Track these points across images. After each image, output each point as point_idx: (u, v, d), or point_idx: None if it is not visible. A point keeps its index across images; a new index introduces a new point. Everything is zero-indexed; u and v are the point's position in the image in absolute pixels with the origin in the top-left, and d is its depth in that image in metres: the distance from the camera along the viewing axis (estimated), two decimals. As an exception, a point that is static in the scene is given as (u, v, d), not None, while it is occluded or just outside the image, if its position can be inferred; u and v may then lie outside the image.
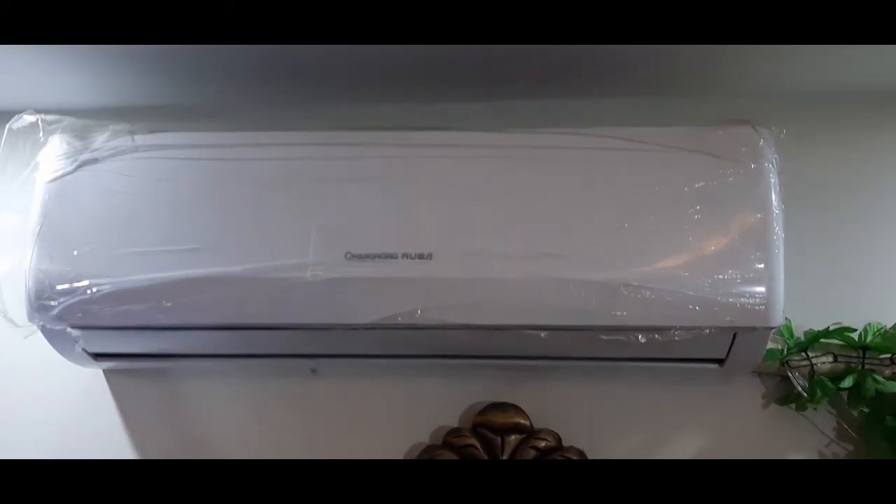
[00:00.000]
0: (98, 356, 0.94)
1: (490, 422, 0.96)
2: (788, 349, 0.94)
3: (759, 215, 0.83)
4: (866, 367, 0.92)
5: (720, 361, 0.89)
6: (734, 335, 0.85)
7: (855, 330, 0.93)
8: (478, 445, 0.95)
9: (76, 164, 0.89)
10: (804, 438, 0.95)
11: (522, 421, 0.95)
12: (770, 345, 0.90)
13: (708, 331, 0.82)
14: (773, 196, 0.83)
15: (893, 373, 0.91)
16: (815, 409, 0.94)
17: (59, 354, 0.93)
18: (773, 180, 0.84)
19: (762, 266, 0.81)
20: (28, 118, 0.90)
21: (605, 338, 0.83)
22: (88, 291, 0.84)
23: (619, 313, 0.82)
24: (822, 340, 0.94)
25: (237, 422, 1.01)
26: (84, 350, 0.91)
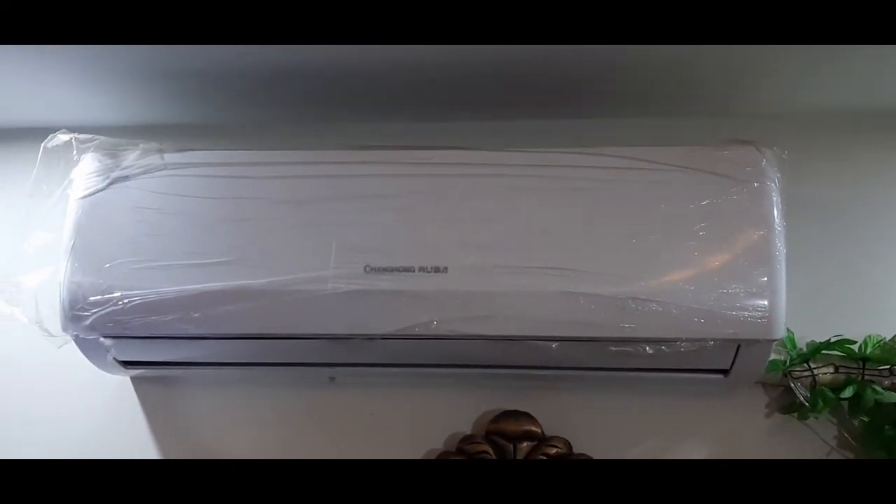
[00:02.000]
0: (127, 364, 0.97)
1: (503, 429, 0.98)
2: (791, 360, 0.96)
3: (761, 232, 0.85)
4: (866, 377, 0.94)
5: (725, 372, 0.92)
6: (738, 347, 0.87)
7: (855, 342, 0.96)
8: (490, 452, 0.97)
9: (108, 181, 0.92)
10: (806, 447, 0.98)
11: (534, 428, 0.98)
12: (773, 356, 0.92)
13: (713, 343, 0.84)
14: (776, 213, 0.86)
15: (892, 383, 0.94)
16: (816, 418, 0.96)
17: (89, 362, 0.96)
18: (775, 198, 0.86)
19: (765, 280, 0.84)
20: (62, 137, 0.93)
21: (613, 349, 0.86)
22: (119, 303, 0.87)
23: (627, 326, 0.84)
24: (823, 352, 0.96)
25: (257, 427, 1.04)
26: (114, 358, 0.95)
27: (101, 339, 0.91)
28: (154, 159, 0.93)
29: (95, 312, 0.88)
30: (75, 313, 0.88)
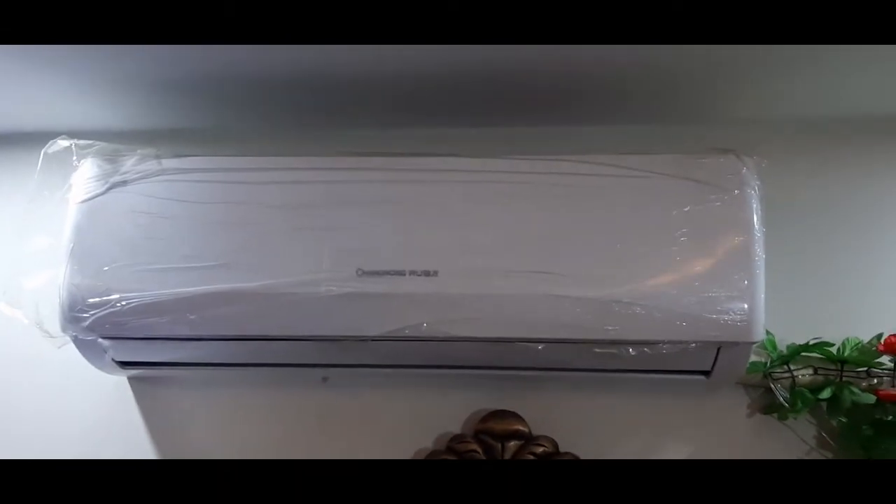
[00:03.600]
0: (125, 364, 0.98)
1: (491, 428, 1.01)
2: (771, 362, 0.98)
3: (741, 237, 0.87)
4: (844, 379, 0.96)
5: (706, 373, 0.94)
6: (719, 349, 0.89)
7: (833, 344, 0.98)
8: (479, 451, 1.00)
9: (107, 185, 0.93)
10: (786, 446, 1.00)
11: (521, 428, 1.00)
12: (754, 358, 0.94)
13: (694, 345, 0.87)
14: (756, 220, 0.88)
15: (869, 385, 0.96)
16: (795, 418, 0.98)
17: (87, 363, 0.97)
18: (755, 205, 0.88)
19: (745, 284, 0.86)
20: (62, 143, 0.95)
21: (598, 351, 0.88)
22: (117, 304, 0.89)
23: (611, 328, 0.86)
24: (802, 354, 0.98)
25: (252, 426, 1.05)
26: (112, 359, 0.97)
27: (100, 339, 0.92)
28: (152, 165, 0.94)
29: (94, 314, 0.89)
30: (74, 315, 0.90)
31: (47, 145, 0.95)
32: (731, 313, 0.86)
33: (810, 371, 0.98)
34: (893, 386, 0.96)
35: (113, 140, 0.97)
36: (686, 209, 0.89)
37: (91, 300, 0.90)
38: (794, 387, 0.98)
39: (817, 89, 1.01)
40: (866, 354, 0.97)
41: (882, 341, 0.97)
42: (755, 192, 0.89)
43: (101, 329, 0.90)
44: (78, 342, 0.93)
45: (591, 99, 1.02)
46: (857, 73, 0.97)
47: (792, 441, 1.00)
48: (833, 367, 0.98)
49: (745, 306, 0.86)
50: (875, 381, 0.96)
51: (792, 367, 0.98)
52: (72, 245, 0.92)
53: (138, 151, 0.95)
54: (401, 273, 0.89)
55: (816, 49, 0.89)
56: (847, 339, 0.98)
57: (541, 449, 0.99)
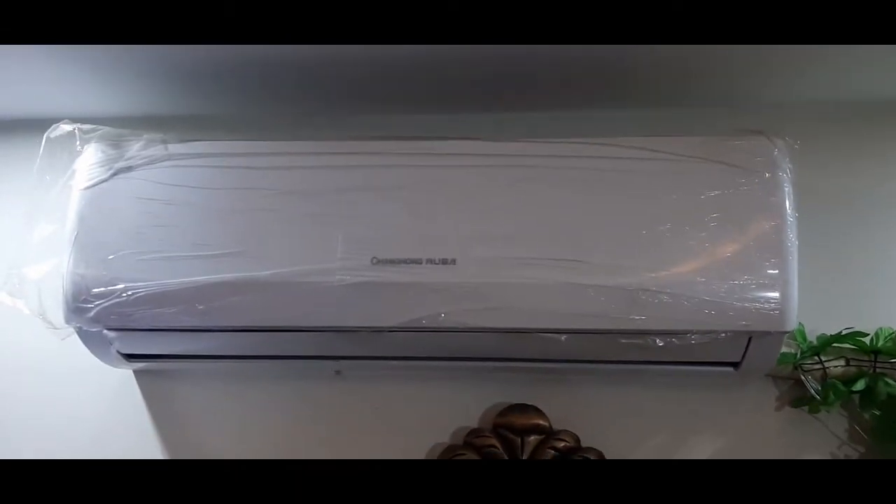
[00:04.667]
0: (131, 357, 0.96)
1: (510, 423, 0.98)
2: (802, 353, 0.96)
3: (773, 223, 0.84)
4: (878, 370, 0.94)
5: (735, 365, 0.91)
6: (749, 339, 0.86)
7: (867, 335, 0.95)
8: (498, 446, 0.97)
9: (111, 171, 0.91)
10: (817, 441, 0.97)
11: (542, 422, 0.98)
12: (784, 349, 0.91)
13: (724, 335, 0.84)
14: (787, 204, 0.85)
15: (904, 376, 0.93)
16: (827, 411, 0.96)
17: (92, 355, 0.95)
18: (787, 189, 0.86)
19: (776, 272, 0.83)
20: (65, 127, 0.93)
21: (623, 341, 0.86)
22: (123, 295, 0.87)
23: (637, 317, 0.84)
24: (834, 345, 0.95)
25: (263, 421, 1.03)
26: (118, 351, 0.94)
27: (105, 331, 0.90)
28: (158, 149, 0.92)
29: (99, 304, 0.87)
30: (78, 305, 0.88)
31: (50, 130, 0.93)
32: (762, 301, 0.83)
33: (842, 362, 0.96)
34: (929, 377, 0.93)
35: (118, 125, 0.95)
36: (715, 193, 0.86)
37: (96, 290, 0.88)
38: (825, 379, 0.95)
39: (851, 72, 0.99)
40: (901, 345, 0.94)
41: (917, 331, 0.94)
42: (787, 174, 0.87)
43: (107, 320, 0.88)
44: (82, 334, 0.91)
45: (615, 81, 1.00)
46: (892, 57, 0.94)
47: (823, 435, 0.98)
48: (866, 358, 0.95)
49: (777, 294, 0.83)
50: (909, 372, 0.94)
51: (823, 359, 0.96)
52: (75, 233, 0.90)
53: (144, 136, 0.93)
54: (417, 262, 0.86)
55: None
56: (881, 329, 0.96)
57: (562, 444, 0.97)
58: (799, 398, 0.97)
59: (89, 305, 0.87)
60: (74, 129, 0.93)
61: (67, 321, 0.89)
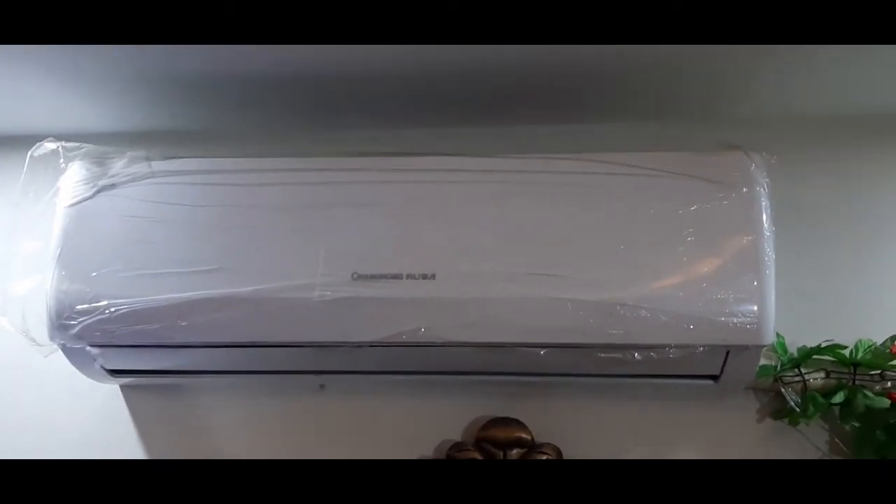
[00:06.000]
0: (115, 373, 0.97)
1: (493, 436, 0.98)
2: (782, 365, 0.96)
3: (750, 237, 0.85)
4: (857, 383, 0.94)
5: (715, 378, 0.91)
6: (727, 352, 0.87)
7: (846, 347, 0.95)
8: (481, 459, 0.97)
9: (95, 189, 0.92)
10: (797, 452, 0.98)
11: (524, 435, 0.98)
12: (764, 361, 0.92)
13: (702, 348, 0.84)
14: (765, 218, 0.86)
15: (883, 388, 0.94)
16: (807, 423, 0.96)
17: (78, 371, 0.95)
18: (764, 203, 0.86)
19: (754, 286, 0.84)
20: (49, 145, 0.93)
21: (602, 355, 0.86)
22: (107, 311, 0.87)
23: (615, 332, 0.84)
24: (814, 357, 0.96)
25: (247, 435, 1.04)
26: (102, 367, 0.94)
27: (89, 347, 0.90)
28: (141, 167, 0.93)
29: (82, 321, 0.88)
30: (62, 322, 0.88)
31: (33, 148, 0.93)
32: (739, 315, 0.84)
33: (822, 374, 0.96)
34: (908, 389, 0.93)
35: (101, 142, 0.96)
36: (692, 208, 0.87)
37: (79, 307, 0.88)
38: (805, 391, 0.95)
39: (827, 87, 1.00)
40: (880, 357, 0.95)
41: (896, 343, 0.95)
42: (764, 189, 0.87)
43: (90, 337, 0.89)
44: (66, 350, 0.92)
45: (596, 96, 1.00)
46: (867, 72, 0.95)
47: (804, 447, 0.98)
48: (845, 370, 0.96)
49: (755, 308, 0.84)
50: (889, 384, 0.94)
51: (803, 371, 0.96)
52: (59, 250, 0.90)
53: (128, 153, 0.94)
54: (397, 277, 0.87)
55: (826, 47, 0.87)
56: (860, 342, 0.96)
57: (544, 457, 0.97)
58: (779, 410, 0.98)
59: (73, 322, 0.88)
60: (58, 146, 0.93)
61: (51, 338, 0.89)
